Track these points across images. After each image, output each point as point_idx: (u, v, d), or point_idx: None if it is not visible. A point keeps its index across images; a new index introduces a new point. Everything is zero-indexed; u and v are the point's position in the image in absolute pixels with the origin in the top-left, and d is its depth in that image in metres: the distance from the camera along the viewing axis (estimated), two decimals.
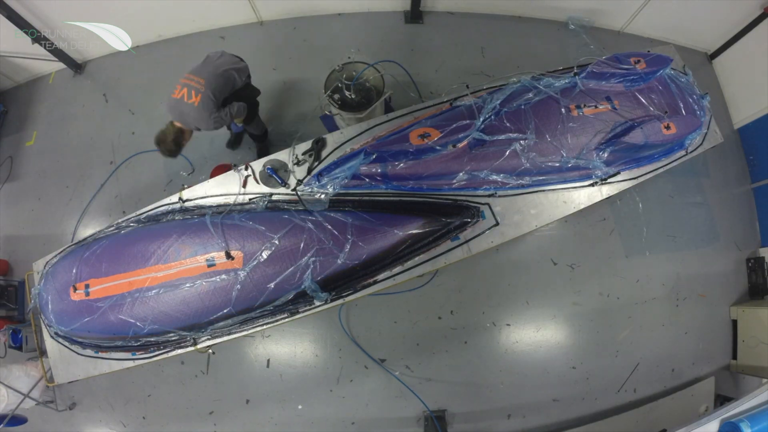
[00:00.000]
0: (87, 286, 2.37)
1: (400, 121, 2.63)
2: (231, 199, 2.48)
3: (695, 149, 2.93)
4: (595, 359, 3.54)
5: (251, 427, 3.35)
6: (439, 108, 2.69)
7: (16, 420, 3.11)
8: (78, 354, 2.52)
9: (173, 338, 2.37)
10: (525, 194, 2.55)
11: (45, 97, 4.20)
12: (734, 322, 3.75)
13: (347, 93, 3.10)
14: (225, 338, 2.38)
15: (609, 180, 2.66)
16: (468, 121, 2.52)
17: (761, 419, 1.94)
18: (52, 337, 2.57)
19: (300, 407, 3.37)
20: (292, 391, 3.38)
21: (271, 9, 4.11)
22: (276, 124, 3.89)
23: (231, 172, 2.54)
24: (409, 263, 2.39)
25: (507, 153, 2.49)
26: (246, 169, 2.52)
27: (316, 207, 2.38)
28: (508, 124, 2.54)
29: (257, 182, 2.51)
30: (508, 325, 3.53)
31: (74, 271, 2.42)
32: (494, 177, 2.49)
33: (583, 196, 2.64)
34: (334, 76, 3.09)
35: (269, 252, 2.25)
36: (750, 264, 3.91)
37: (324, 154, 2.55)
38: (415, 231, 2.35)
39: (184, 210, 2.50)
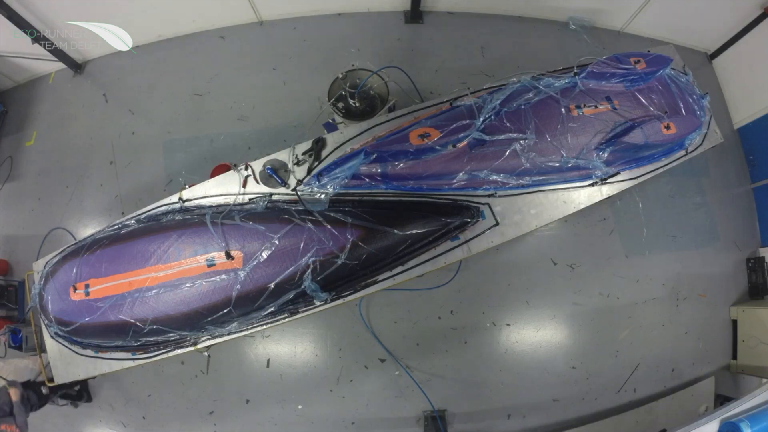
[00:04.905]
0: (87, 286, 2.37)
1: (400, 121, 2.63)
2: (231, 199, 2.48)
3: (695, 149, 2.92)
4: (595, 359, 3.54)
5: (251, 427, 3.35)
6: (439, 108, 2.69)
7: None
8: (78, 354, 2.52)
9: (173, 338, 2.37)
10: (525, 194, 2.55)
11: (45, 97, 4.20)
12: (734, 322, 3.75)
13: (351, 102, 3.06)
14: (225, 338, 2.37)
15: (609, 180, 2.66)
16: (468, 121, 2.51)
17: (761, 419, 1.94)
18: (52, 337, 2.57)
19: (300, 407, 3.37)
20: (292, 391, 3.38)
21: (271, 9, 4.11)
22: (276, 123, 3.89)
23: (231, 172, 2.54)
24: (410, 263, 2.39)
25: (507, 153, 2.49)
26: (246, 169, 2.52)
27: (316, 207, 2.37)
28: (508, 124, 2.54)
29: (257, 182, 2.51)
30: (508, 325, 3.53)
31: (74, 271, 2.42)
32: (494, 177, 2.48)
33: (583, 196, 2.63)
34: (337, 84, 3.06)
35: (269, 252, 2.25)
36: (750, 264, 3.90)
37: (324, 154, 2.55)
38: (415, 231, 2.34)
39: (184, 210, 2.50)
